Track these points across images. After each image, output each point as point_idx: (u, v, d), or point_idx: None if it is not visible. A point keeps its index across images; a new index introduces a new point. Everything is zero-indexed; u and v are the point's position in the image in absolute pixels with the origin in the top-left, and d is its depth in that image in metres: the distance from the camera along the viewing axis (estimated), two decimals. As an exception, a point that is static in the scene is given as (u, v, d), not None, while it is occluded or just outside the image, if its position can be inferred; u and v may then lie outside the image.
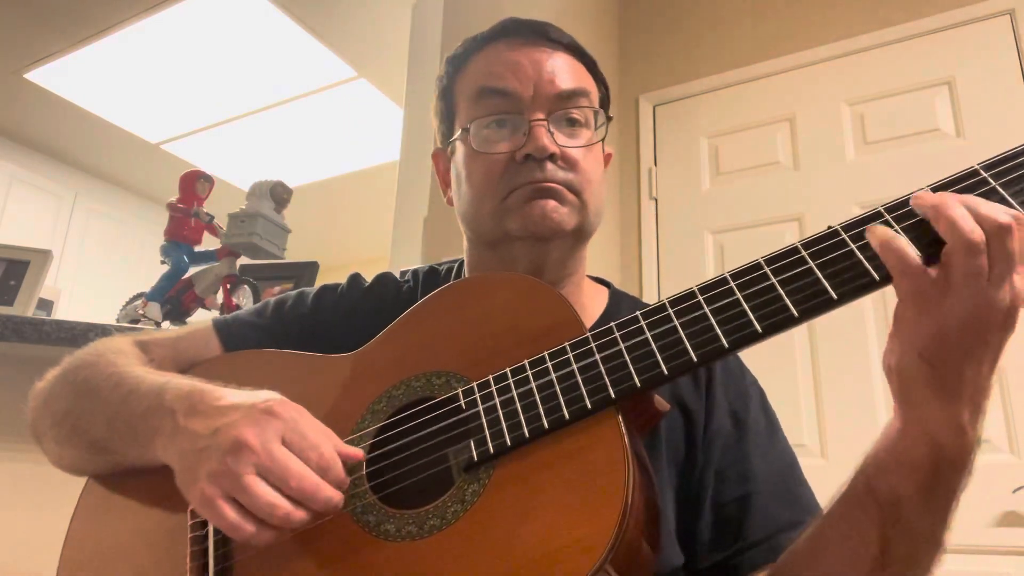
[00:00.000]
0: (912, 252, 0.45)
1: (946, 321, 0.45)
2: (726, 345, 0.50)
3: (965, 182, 0.48)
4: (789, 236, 2.08)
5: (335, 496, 0.51)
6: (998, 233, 0.44)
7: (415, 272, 0.83)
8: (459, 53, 0.78)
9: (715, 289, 0.52)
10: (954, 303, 0.44)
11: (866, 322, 1.88)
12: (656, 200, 2.35)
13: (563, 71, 0.72)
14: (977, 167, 0.48)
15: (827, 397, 1.89)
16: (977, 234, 0.44)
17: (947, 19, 2.01)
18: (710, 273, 2.15)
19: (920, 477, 0.49)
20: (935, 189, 0.48)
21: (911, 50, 2.05)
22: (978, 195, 0.47)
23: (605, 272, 0.84)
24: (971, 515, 1.62)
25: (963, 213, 0.45)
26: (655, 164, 2.38)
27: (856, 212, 1.84)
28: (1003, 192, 0.47)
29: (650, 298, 2.10)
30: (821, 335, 1.94)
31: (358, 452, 0.55)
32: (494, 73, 0.72)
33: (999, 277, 0.44)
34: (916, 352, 0.46)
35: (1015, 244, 0.44)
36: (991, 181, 0.47)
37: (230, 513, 0.49)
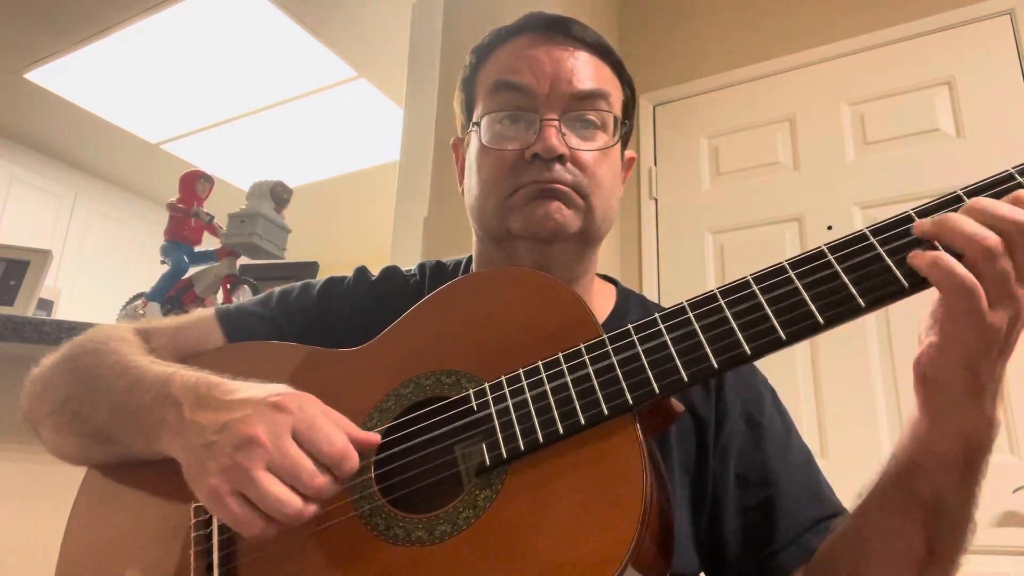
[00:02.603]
0: (963, 271, 0.44)
1: (992, 333, 0.45)
2: (748, 352, 0.48)
3: (1000, 185, 0.47)
4: (789, 236, 2.08)
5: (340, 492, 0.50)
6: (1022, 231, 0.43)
7: (421, 266, 0.82)
8: (484, 43, 0.76)
9: (737, 293, 0.51)
10: (998, 313, 0.44)
11: (866, 320, 1.88)
12: (656, 200, 2.34)
13: (583, 71, 0.70)
14: (1012, 171, 0.47)
15: (827, 396, 1.89)
16: (992, 239, 0.44)
17: (947, 19, 2.01)
18: (710, 273, 2.15)
19: (958, 471, 0.51)
20: (969, 193, 0.47)
21: (911, 50, 2.05)
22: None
23: (604, 272, 0.84)
24: (971, 515, 1.62)
25: (968, 221, 0.44)
26: (655, 164, 2.38)
27: (856, 212, 1.85)
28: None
29: (650, 298, 2.10)
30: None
31: (374, 437, 0.54)
32: (512, 67, 0.71)
33: None
34: (962, 364, 0.46)
35: None
36: None
37: (238, 509, 0.48)
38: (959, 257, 0.45)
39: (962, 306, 0.44)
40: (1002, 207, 0.44)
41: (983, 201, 0.45)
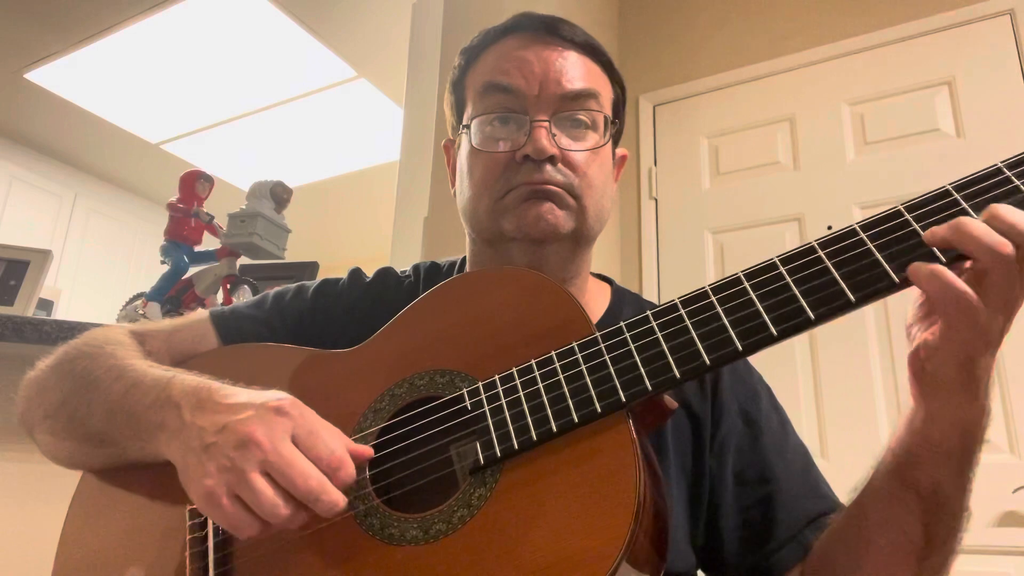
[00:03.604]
0: (962, 285, 0.44)
1: (989, 335, 0.45)
2: (740, 348, 0.49)
3: (988, 180, 0.47)
4: (789, 236, 2.08)
5: (339, 499, 0.50)
6: None
7: (416, 267, 0.82)
8: (473, 45, 0.76)
9: (728, 289, 0.51)
10: (996, 317, 0.45)
11: (866, 319, 1.88)
12: (656, 200, 2.34)
13: (572, 71, 0.70)
14: (1000, 165, 0.47)
15: (827, 396, 1.89)
16: (1008, 247, 0.44)
17: (947, 19, 2.01)
18: (710, 273, 2.15)
19: (955, 461, 0.51)
20: (958, 188, 0.48)
21: (911, 50, 2.05)
22: (1001, 194, 0.46)
23: (605, 272, 0.84)
24: (971, 515, 1.62)
25: (985, 229, 0.44)
26: (655, 164, 2.38)
27: (856, 212, 1.86)
28: None
29: (649, 298, 2.10)
30: (820, 332, 1.94)
31: (367, 450, 0.54)
32: (502, 69, 0.71)
33: None
34: (958, 363, 0.47)
35: None
36: (1015, 180, 0.46)
37: (232, 510, 0.48)
38: (962, 261, 0.45)
39: (961, 319, 0.45)
40: (1018, 216, 0.44)
41: (1001, 208, 0.45)
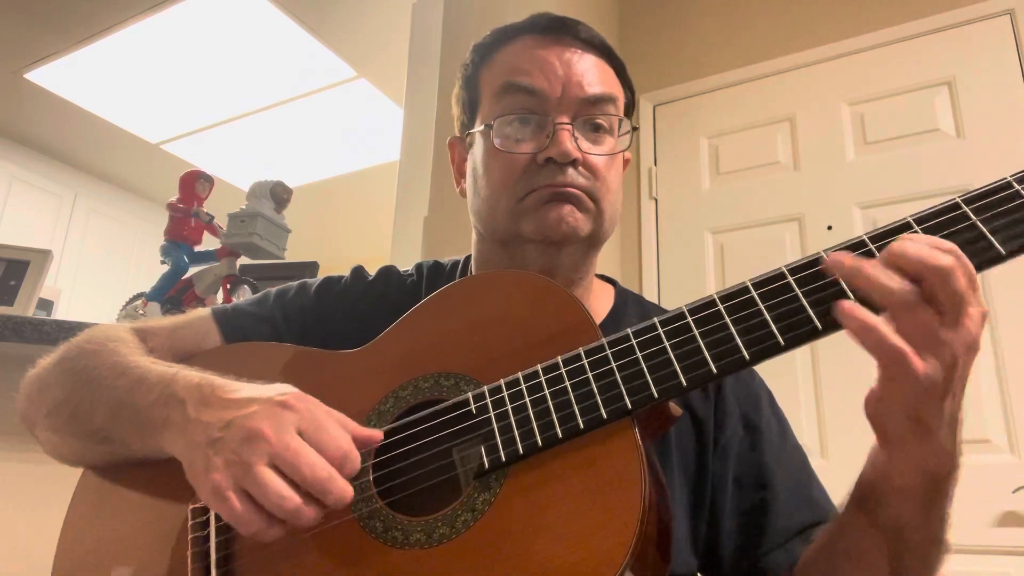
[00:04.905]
0: (894, 340, 0.43)
1: (927, 382, 0.43)
2: (747, 357, 0.48)
3: (945, 216, 0.47)
4: (789, 236, 2.08)
5: (348, 490, 0.49)
6: (940, 275, 0.42)
7: (419, 266, 0.81)
8: (487, 42, 0.76)
9: (736, 298, 0.51)
10: (930, 362, 0.43)
11: (866, 322, 1.88)
12: (656, 200, 2.34)
13: (592, 74, 0.70)
14: (958, 200, 0.47)
15: (827, 396, 1.89)
16: (905, 291, 0.42)
17: (947, 19, 2.01)
18: (710, 273, 2.15)
19: (916, 501, 0.50)
20: (967, 201, 0.47)
21: (911, 50, 2.05)
22: (958, 230, 0.46)
23: (605, 272, 0.84)
24: (971, 515, 1.62)
25: (882, 272, 0.43)
26: (655, 164, 2.38)
27: (856, 212, 1.85)
28: (983, 228, 0.45)
29: (650, 298, 2.10)
30: (821, 335, 1.93)
31: (377, 433, 0.54)
32: (522, 69, 0.70)
33: (953, 320, 0.42)
34: (903, 413, 0.46)
35: (960, 283, 0.42)
36: (972, 216, 0.46)
37: (239, 505, 0.48)
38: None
39: (894, 370, 0.44)
40: (913, 251, 0.43)
41: (897, 246, 0.44)
